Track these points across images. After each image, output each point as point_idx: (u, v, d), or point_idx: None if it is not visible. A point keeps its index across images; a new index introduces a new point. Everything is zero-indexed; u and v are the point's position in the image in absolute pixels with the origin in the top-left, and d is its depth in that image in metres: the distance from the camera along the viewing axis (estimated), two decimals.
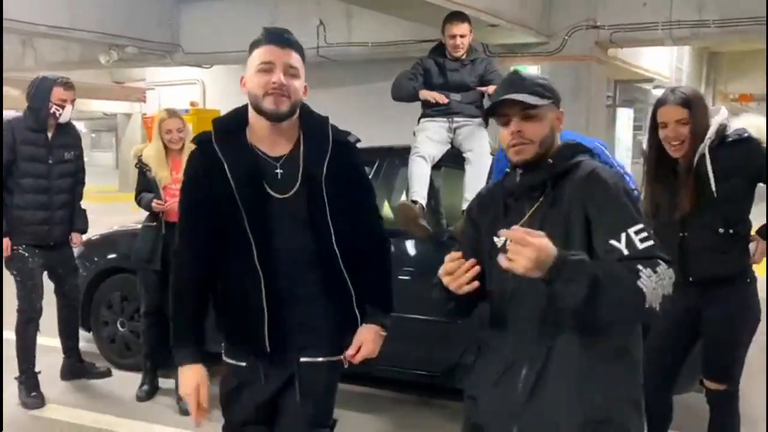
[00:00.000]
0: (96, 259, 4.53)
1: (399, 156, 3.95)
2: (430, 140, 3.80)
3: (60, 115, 3.76)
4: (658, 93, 10.38)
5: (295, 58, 1.84)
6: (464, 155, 3.81)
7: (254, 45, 1.87)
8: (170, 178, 3.81)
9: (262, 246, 1.85)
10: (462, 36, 3.94)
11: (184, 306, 1.94)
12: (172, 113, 3.89)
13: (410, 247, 3.75)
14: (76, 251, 4.23)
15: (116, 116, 19.51)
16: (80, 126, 37.09)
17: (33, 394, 3.81)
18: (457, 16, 3.98)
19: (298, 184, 1.87)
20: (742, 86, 12.57)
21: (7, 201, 3.73)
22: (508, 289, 1.64)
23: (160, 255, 3.81)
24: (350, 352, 1.95)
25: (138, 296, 4.22)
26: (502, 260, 1.40)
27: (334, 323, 1.95)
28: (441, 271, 1.60)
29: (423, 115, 4.05)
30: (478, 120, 3.98)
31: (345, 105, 7.99)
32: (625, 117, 11.26)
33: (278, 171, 1.86)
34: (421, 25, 6.74)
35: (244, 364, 1.95)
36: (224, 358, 2.01)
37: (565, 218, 1.58)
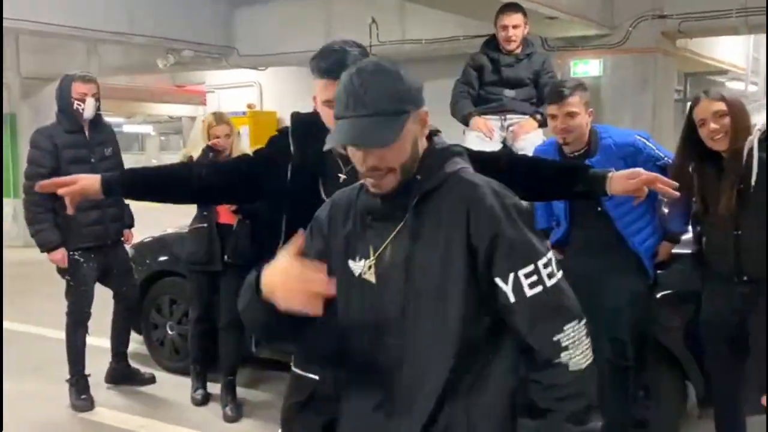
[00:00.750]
0: (147, 261, 4.55)
1: None
2: (479, 140, 3.62)
3: (83, 109, 3.71)
4: (734, 86, 9.78)
5: None
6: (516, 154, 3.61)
7: (312, 70, 1.81)
8: None
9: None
10: (515, 27, 3.74)
11: None
12: (219, 119, 3.86)
13: None
14: (129, 251, 4.26)
15: (181, 119, 20.01)
16: (149, 129, 38.57)
17: (83, 396, 3.83)
18: (509, 7, 3.78)
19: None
20: None
21: (59, 209, 3.64)
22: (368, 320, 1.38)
23: (219, 256, 3.77)
24: None
25: (186, 300, 4.22)
26: None
27: None
28: (277, 264, 1.27)
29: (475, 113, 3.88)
30: (538, 117, 3.77)
31: None
32: None
33: (342, 175, 1.84)
34: (476, 21, 6.51)
35: (316, 377, 1.84)
36: (293, 368, 1.95)
37: (443, 243, 1.30)
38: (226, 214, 3.79)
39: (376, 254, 1.35)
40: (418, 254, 1.31)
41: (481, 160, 1.93)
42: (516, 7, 3.79)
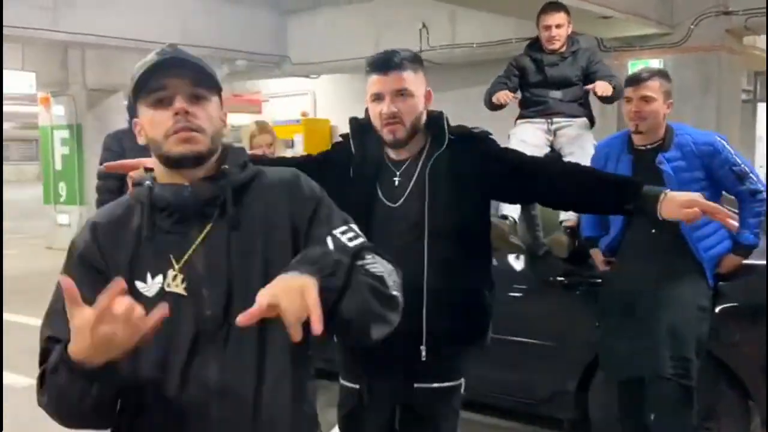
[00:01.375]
0: None
1: None
2: (524, 144, 3.47)
3: None
4: None
5: (403, 79, 1.83)
6: (564, 159, 3.44)
7: (366, 72, 1.89)
8: None
9: None
10: (558, 26, 3.58)
11: None
12: (261, 128, 3.87)
13: (507, 263, 3.44)
14: None
15: (240, 128, 20.48)
16: None
17: None
18: (551, 6, 3.62)
19: (407, 192, 1.90)
20: None
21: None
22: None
23: None
24: None
25: None
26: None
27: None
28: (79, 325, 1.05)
29: (519, 116, 3.73)
30: (582, 120, 3.61)
31: (450, 108, 7.76)
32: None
33: (396, 179, 1.91)
34: (526, 22, 6.34)
35: (357, 386, 1.97)
36: (341, 380, 2.04)
37: (264, 241, 1.23)
38: None
39: (183, 261, 1.20)
40: (238, 255, 1.21)
41: (506, 163, 1.93)
42: (558, 6, 3.63)
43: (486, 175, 1.89)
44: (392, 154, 1.94)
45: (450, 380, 1.94)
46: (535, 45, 3.75)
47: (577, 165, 2.10)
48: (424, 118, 1.91)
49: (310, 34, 8.28)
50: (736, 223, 1.78)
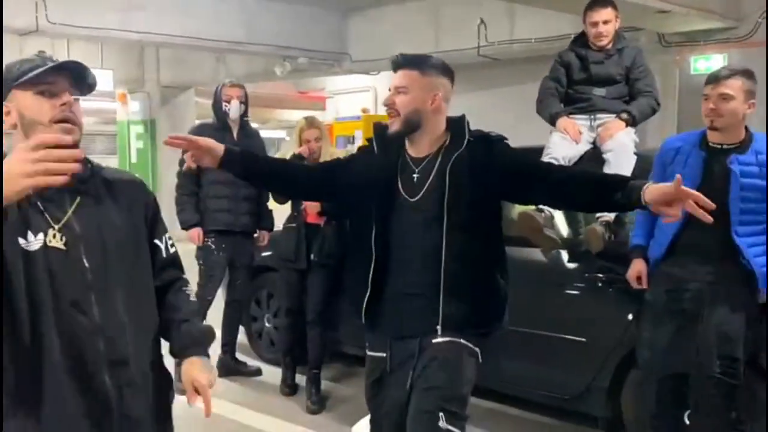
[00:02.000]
0: None
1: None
2: (565, 140, 3.48)
3: (229, 109, 4.13)
4: None
5: (405, 76, 2.05)
6: (604, 156, 3.43)
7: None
8: None
9: (381, 238, 2.06)
10: (605, 23, 3.54)
11: None
12: (310, 123, 4.02)
13: (541, 257, 3.45)
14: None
15: None
16: (282, 134, 40.32)
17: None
18: (598, 2, 3.58)
19: (425, 188, 2.05)
20: None
21: (201, 194, 4.14)
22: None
23: (305, 254, 3.94)
24: None
25: (280, 294, 4.42)
26: None
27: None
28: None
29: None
30: (625, 116, 3.57)
31: (508, 103, 7.73)
32: None
33: (415, 175, 2.07)
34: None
35: (383, 354, 2.13)
36: (367, 351, 2.22)
37: (124, 213, 1.57)
38: (313, 215, 3.93)
39: (61, 223, 1.47)
40: (94, 227, 1.52)
41: (517, 165, 2.06)
42: (605, 2, 3.58)
43: (499, 174, 2.04)
44: (412, 152, 2.10)
45: (468, 342, 2.07)
46: (579, 41, 3.73)
47: (582, 171, 2.24)
48: (432, 119, 2.06)
49: (371, 31, 8.41)
50: (709, 218, 1.70)
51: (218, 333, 4.25)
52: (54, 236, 1.45)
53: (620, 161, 3.34)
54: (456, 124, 2.12)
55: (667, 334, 2.65)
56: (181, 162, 4.00)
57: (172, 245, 1.71)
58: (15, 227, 1.43)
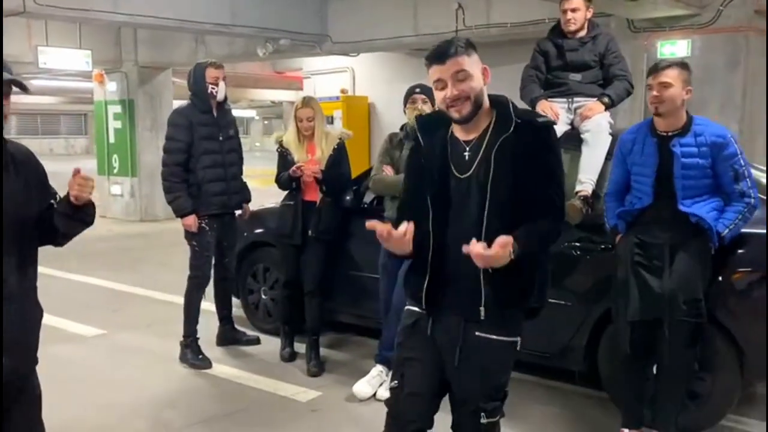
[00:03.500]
0: (245, 233, 5.04)
1: None
2: None
3: (216, 92, 4.24)
4: None
5: (460, 63, 2.03)
6: (582, 136, 3.76)
7: (426, 66, 2.11)
8: (306, 159, 4.17)
9: (437, 218, 2.11)
10: (573, 11, 3.88)
11: None
12: (305, 102, 4.23)
13: None
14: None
15: (282, 104, 20.94)
16: (252, 113, 39.82)
17: (200, 356, 4.27)
18: None
19: (476, 163, 2.07)
20: None
21: (192, 180, 4.21)
22: None
23: (300, 231, 4.19)
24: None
25: (277, 268, 4.68)
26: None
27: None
28: None
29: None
30: (606, 100, 3.87)
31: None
32: None
33: (466, 153, 2.10)
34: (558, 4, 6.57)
35: (420, 310, 2.18)
36: (407, 306, 2.26)
37: (31, 179, 2.02)
38: (311, 192, 4.19)
39: None
40: (18, 182, 1.94)
41: (548, 162, 2.10)
42: None
43: (538, 161, 2.07)
44: (460, 135, 2.13)
45: (508, 335, 2.12)
46: (556, 30, 4.04)
47: (544, 219, 2.11)
48: (485, 94, 2.09)
49: (350, 14, 8.60)
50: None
51: (212, 308, 4.58)
52: None
53: (597, 141, 3.68)
54: (501, 105, 2.11)
55: (637, 285, 3.01)
56: (170, 135, 4.18)
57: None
58: None
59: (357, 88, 11.71)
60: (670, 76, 2.91)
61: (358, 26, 8.54)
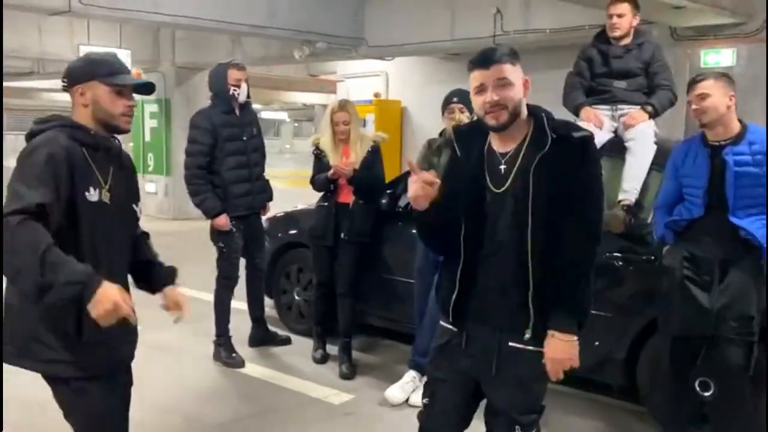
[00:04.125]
0: (279, 234, 5.07)
1: None
2: (589, 128, 3.72)
3: (238, 94, 4.21)
4: None
5: (503, 70, 2.01)
6: (626, 144, 3.69)
7: (468, 70, 2.09)
8: (341, 161, 4.16)
9: (471, 231, 2.07)
10: (620, 16, 3.82)
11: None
12: (341, 106, 4.22)
13: None
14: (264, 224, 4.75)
15: (314, 107, 21.06)
16: (284, 116, 39.97)
17: (233, 354, 4.30)
18: None
19: (511, 178, 2.04)
20: None
21: (217, 181, 4.20)
22: None
23: (333, 232, 4.19)
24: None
25: (311, 269, 4.68)
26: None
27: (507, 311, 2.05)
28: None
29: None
30: (649, 109, 3.80)
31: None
32: None
33: (502, 167, 2.07)
34: (599, 10, 6.47)
35: (454, 328, 2.15)
36: (441, 322, 2.22)
37: (133, 177, 2.24)
38: (345, 194, 4.18)
39: (108, 184, 2.01)
40: (128, 179, 2.13)
41: (585, 181, 2.03)
42: None
43: (574, 177, 2.01)
44: (497, 146, 2.10)
45: (542, 346, 2.04)
46: (602, 36, 3.98)
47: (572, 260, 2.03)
48: (524, 105, 2.06)
49: (387, 18, 8.60)
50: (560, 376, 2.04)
51: (244, 307, 4.59)
52: (103, 193, 1.99)
53: (642, 149, 3.61)
54: (536, 116, 2.08)
55: (683, 299, 2.94)
56: (192, 139, 4.20)
57: None
58: (83, 181, 1.94)
59: (390, 92, 11.70)
60: (706, 86, 2.88)
61: (394, 30, 8.54)
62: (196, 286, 6.08)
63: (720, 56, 6.26)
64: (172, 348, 4.60)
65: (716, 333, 2.87)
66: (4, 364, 1.98)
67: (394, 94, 11.64)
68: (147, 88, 2.11)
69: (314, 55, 8.87)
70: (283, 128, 45.65)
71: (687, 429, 3.09)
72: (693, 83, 2.93)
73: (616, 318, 3.51)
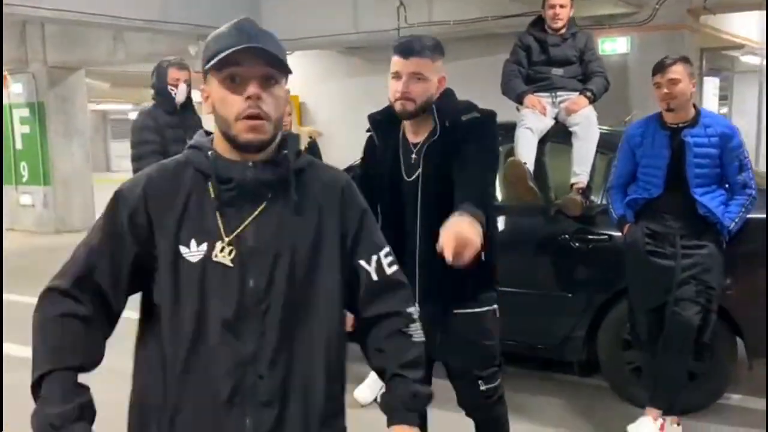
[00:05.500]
0: None
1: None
2: (534, 114, 3.82)
3: (175, 94, 3.99)
4: (749, 60, 9.82)
5: (420, 64, 2.07)
6: (570, 129, 3.81)
7: (393, 53, 2.13)
8: None
9: (394, 220, 2.19)
10: (562, 6, 3.95)
11: None
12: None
13: (520, 221, 3.79)
14: None
15: (200, 104, 20.11)
16: None
17: None
18: None
19: (420, 168, 2.16)
20: None
21: None
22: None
23: None
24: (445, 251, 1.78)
25: None
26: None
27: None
28: None
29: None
30: (589, 94, 3.93)
31: None
32: (711, 86, 10.84)
33: (413, 156, 2.19)
34: (503, 1, 6.70)
35: None
36: None
37: (316, 229, 1.32)
38: None
39: (234, 234, 1.26)
40: (287, 235, 1.28)
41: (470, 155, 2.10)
42: None
43: (464, 153, 2.09)
44: (411, 137, 2.20)
45: (481, 306, 2.24)
46: (538, 24, 4.09)
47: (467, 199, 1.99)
48: (432, 101, 2.13)
49: (287, 10, 8.37)
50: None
51: None
52: (222, 249, 1.26)
53: (587, 133, 3.74)
54: (435, 108, 2.14)
55: (651, 272, 3.07)
56: (141, 140, 3.92)
57: (391, 264, 1.39)
58: (178, 231, 1.27)
59: (289, 87, 11.43)
60: (678, 71, 2.99)
61: (295, 23, 8.30)
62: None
63: (616, 44, 6.66)
64: (109, 368, 4.19)
65: (678, 296, 3.02)
66: None
67: (291, 90, 11.37)
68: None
69: None
70: None
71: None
72: (663, 67, 3.03)
73: (575, 297, 3.63)
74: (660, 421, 3.11)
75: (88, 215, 10.24)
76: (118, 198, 1.30)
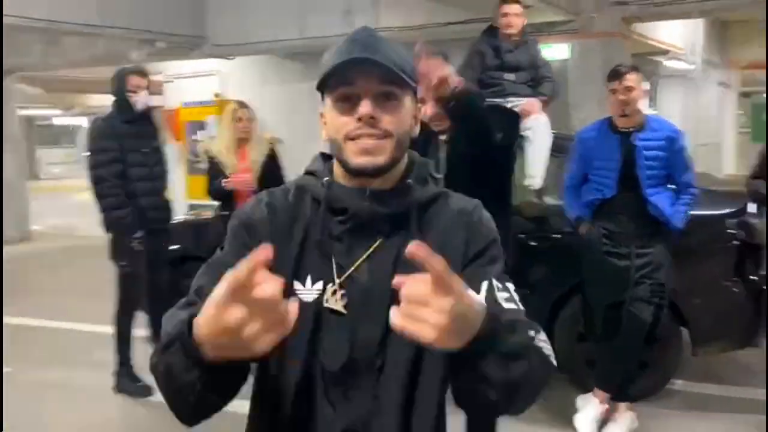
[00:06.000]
0: (179, 246, 4.66)
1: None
2: None
3: (134, 101, 3.92)
4: (673, 65, 10.38)
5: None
6: (523, 133, 3.95)
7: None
8: (237, 165, 4.02)
9: None
10: (516, 15, 4.11)
11: None
12: (242, 104, 4.12)
13: None
14: None
15: None
16: (83, 121, 36.47)
17: (138, 383, 3.93)
18: None
19: None
20: (753, 54, 12.66)
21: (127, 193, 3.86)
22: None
23: None
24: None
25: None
26: (394, 316, 0.84)
27: None
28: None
29: None
30: (543, 99, 4.11)
31: None
32: None
33: None
34: (448, 7, 6.90)
35: None
36: None
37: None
38: (244, 197, 4.04)
39: (346, 275, 1.09)
40: (407, 275, 0.91)
41: None
42: None
43: None
44: None
45: None
46: (491, 31, 4.24)
47: None
48: None
49: (231, 15, 8.33)
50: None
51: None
52: (334, 293, 1.08)
53: (541, 136, 3.91)
54: None
55: (607, 271, 3.26)
56: (100, 148, 3.85)
57: (508, 299, 1.13)
58: (297, 265, 1.10)
59: (228, 93, 11.29)
60: (632, 80, 3.19)
61: (239, 28, 8.29)
62: (71, 318, 5.44)
63: (555, 50, 6.95)
64: (66, 385, 4.10)
65: (633, 296, 3.22)
66: None
67: (231, 95, 11.24)
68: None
69: (153, 54, 8.31)
70: (79, 135, 41.74)
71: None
72: (619, 75, 3.21)
73: (533, 293, 3.79)
74: (605, 405, 3.31)
75: (23, 226, 9.87)
76: (246, 226, 1.13)
